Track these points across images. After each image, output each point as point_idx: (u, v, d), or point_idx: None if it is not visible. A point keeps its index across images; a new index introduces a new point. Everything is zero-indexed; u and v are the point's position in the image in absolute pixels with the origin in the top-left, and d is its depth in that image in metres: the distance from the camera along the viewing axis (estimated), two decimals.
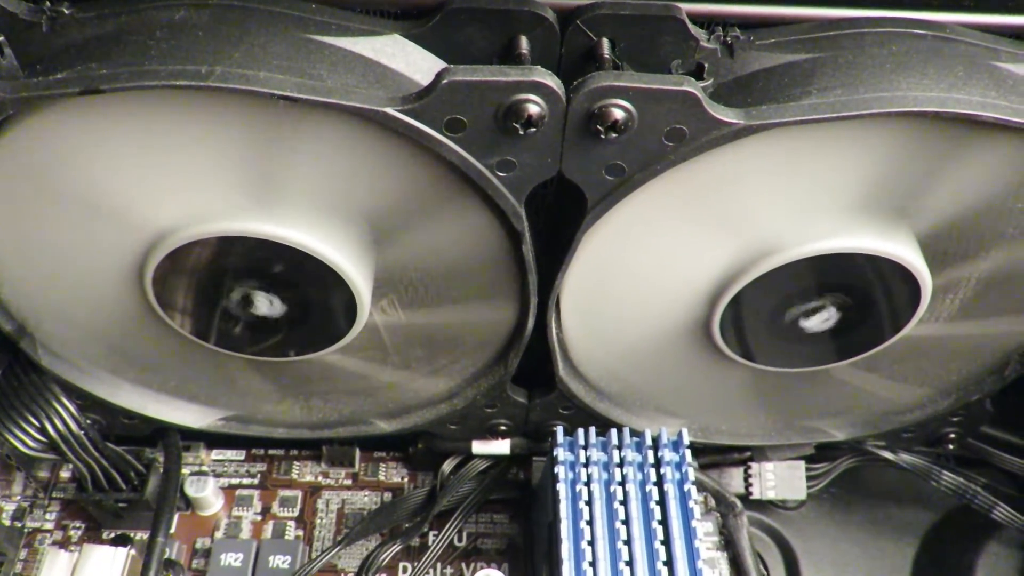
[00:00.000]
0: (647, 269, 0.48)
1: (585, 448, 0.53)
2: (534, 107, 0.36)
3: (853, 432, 0.63)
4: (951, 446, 0.65)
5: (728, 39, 0.40)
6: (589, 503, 0.51)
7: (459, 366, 0.57)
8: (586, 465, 0.52)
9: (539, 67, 0.36)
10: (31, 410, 0.55)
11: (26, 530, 0.63)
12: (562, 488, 0.51)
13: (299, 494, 0.66)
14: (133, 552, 0.57)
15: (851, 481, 0.67)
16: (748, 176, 0.42)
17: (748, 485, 0.65)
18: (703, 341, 0.52)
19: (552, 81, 0.36)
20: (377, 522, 0.62)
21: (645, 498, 0.51)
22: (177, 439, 0.61)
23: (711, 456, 0.65)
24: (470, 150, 0.38)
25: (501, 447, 0.63)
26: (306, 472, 0.67)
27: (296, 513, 0.65)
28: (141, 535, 0.62)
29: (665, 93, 0.36)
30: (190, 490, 0.62)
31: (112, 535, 0.62)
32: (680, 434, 0.53)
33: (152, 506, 0.60)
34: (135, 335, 0.53)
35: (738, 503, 0.61)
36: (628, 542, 0.49)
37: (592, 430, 0.54)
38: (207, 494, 0.63)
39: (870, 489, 0.67)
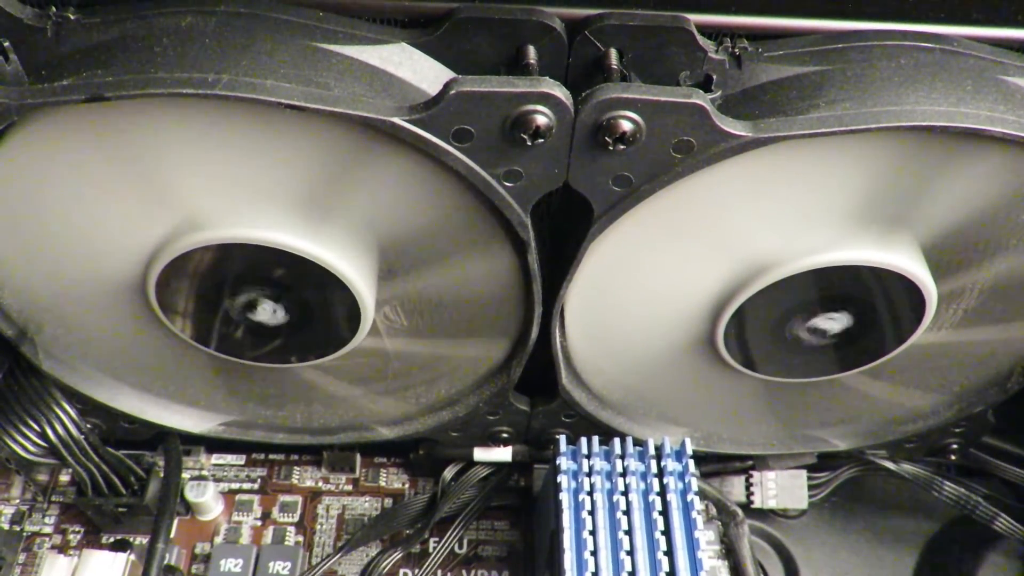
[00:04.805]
0: (652, 280, 0.48)
1: (588, 457, 0.53)
2: (542, 118, 0.36)
3: (855, 442, 0.63)
4: (953, 456, 0.65)
5: (736, 50, 0.40)
6: (592, 513, 0.50)
7: (461, 373, 0.56)
8: (589, 474, 0.52)
9: (547, 78, 0.36)
10: (31, 414, 0.55)
11: (25, 534, 0.63)
12: (565, 497, 0.51)
13: (299, 499, 0.65)
14: (132, 557, 0.56)
15: (852, 490, 0.67)
16: (752, 188, 0.42)
17: (750, 494, 0.65)
18: (707, 351, 0.52)
19: (560, 92, 0.36)
20: (378, 528, 0.62)
21: (648, 508, 0.51)
22: (177, 443, 0.61)
23: (713, 464, 0.65)
24: (477, 160, 0.38)
25: (503, 454, 0.63)
26: (306, 477, 0.67)
27: (296, 519, 0.64)
28: (141, 540, 0.62)
29: (673, 105, 0.36)
30: (190, 495, 0.62)
31: (111, 540, 0.62)
32: (683, 443, 0.53)
33: (152, 511, 0.60)
34: (136, 340, 0.53)
35: (740, 512, 0.61)
36: (631, 552, 0.49)
37: (595, 439, 0.54)
38: (207, 499, 0.63)
39: (871, 499, 0.67)
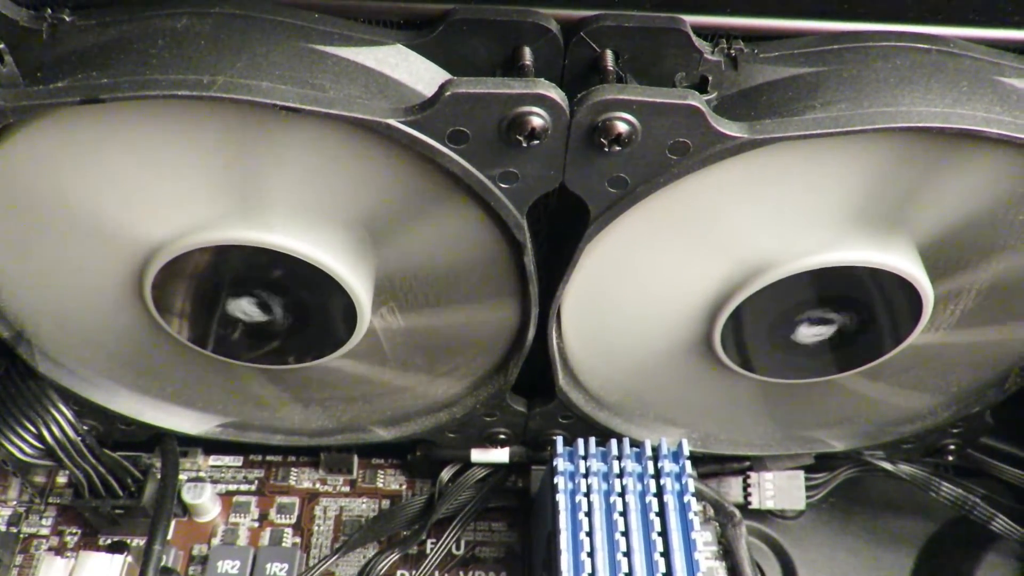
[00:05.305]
0: (648, 281, 0.48)
1: (585, 458, 0.53)
2: (538, 119, 0.36)
3: (852, 442, 0.63)
4: (950, 457, 0.65)
5: (732, 52, 0.40)
6: (589, 514, 0.50)
7: (459, 375, 0.56)
8: (586, 476, 0.52)
9: (543, 79, 0.36)
10: (28, 416, 0.55)
11: (22, 536, 0.63)
12: (562, 499, 0.51)
13: (297, 501, 0.65)
14: (130, 559, 0.56)
15: (850, 491, 0.67)
16: (749, 189, 0.42)
17: (747, 495, 0.65)
18: (704, 352, 0.52)
19: (556, 94, 0.36)
20: (375, 530, 0.62)
21: (645, 509, 0.51)
22: (174, 445, 0.61)
23: (710, 465, 0.65)
24: (473, 161, 0.38)
25: (500, 455, 0.63)
26: (304, 479, 0.67)
27: (294, 520, 0.64)
28: (138, 541, 0.62)
29: (669, 107, 0.36)
30: (187, 496, 0.62)
31: (108, 541, 0.62)
32: (680, 445, 0.53)
33: (149, 512, 0.60)
34: (133, 341, 0.53)
35: (737, 513, 0.61)
36: (628, 554, 0.49)
37: (592, 440, 0.54)
38: (204, 500, 0.63)
39: (869, 499, 0.67)
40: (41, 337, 0.53)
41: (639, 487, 0.52)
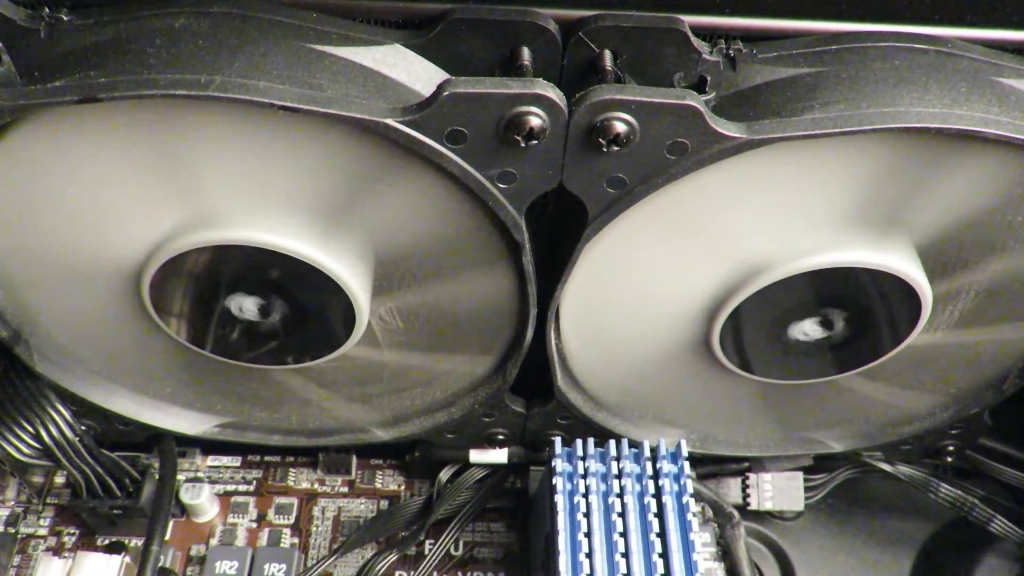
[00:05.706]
0: (647, 282, 0.48)
1: (583, 459, 0.53)
2: (536, 119, 0.36)
3: (851, 444, 0.63)
4: (949, 458, 0.65)
5: (731, 52, 0.40)
6: (587, 515, 0.50)
7: (457, 375, 0.56)
8: (584, 476, 0.52)
9: (541, 79, 0.36)
10: (26, 416, 0.55)
11: (19, 536, 0.62)
12: (560, 499, 0.51)
13: (295, 501, 0.65)
14: (127, 559, 0.56)
15: (849, 492, 0.67)
16: (747, 190, 0.42)
17: (746, 496, 0.65)
18: (703, 353, 0.52)
19: (554, 94, 0.36)
20: (373, 530, 0.62)
21: (643, 510, 0.50)
22: (172, 445, 0.61)
23: (709, 466, 0.65)
24: (471, 161, 0.38)
25: (498, 456, 0.63)
26: (302, 479, 0.67)
27: (292, 520, 0.64)
28: (136, 542, 0.62)
29: (667, 107, 0.36)
30: (185, 497, 0.62)
31: (106, 542, 0.62)
32: (679, 445, 0.53)
33: (147, 513, 0.59)
34: (131, 341, 0.53)
35: (736, 514, 0.61)
36: (626, 555, 0.49)
37: (590, 441, 0.54)
38: (202, 501, 0.62)
39: (868, 501, 0.67)
40: (39, 337, 0.53)
41: (638, 488, 0.52)
